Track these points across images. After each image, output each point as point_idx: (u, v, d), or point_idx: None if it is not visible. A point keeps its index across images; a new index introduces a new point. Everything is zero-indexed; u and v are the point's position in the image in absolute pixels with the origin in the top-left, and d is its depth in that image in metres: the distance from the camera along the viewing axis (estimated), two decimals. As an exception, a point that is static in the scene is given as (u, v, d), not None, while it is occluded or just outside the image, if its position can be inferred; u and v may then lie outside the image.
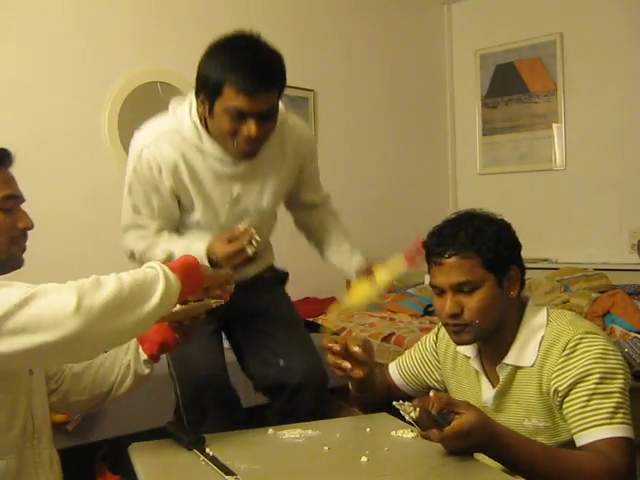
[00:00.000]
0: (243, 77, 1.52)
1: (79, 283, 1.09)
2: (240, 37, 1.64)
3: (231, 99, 1.54)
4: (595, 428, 1.23)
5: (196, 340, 1.53)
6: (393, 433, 1.35)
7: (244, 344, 1.90)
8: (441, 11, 4.66)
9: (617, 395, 1.25)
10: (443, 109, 4.68)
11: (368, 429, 1.40)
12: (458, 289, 1.35)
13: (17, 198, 1.35)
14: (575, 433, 1.26)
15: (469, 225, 1.38)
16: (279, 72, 1.61)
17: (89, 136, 3.08)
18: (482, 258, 1.34)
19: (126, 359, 1.47)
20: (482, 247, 1.34)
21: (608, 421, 1.23)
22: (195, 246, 1.60)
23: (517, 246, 1.43)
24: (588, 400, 1.25)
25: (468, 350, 1.48)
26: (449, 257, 1.35)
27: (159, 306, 1.13)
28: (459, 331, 1.38)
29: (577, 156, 4.12)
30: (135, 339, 1.47)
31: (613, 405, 1.24)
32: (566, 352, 1.30)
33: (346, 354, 1.46)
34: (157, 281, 1.14)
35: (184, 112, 1.69)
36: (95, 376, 1.48)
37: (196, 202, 1.72)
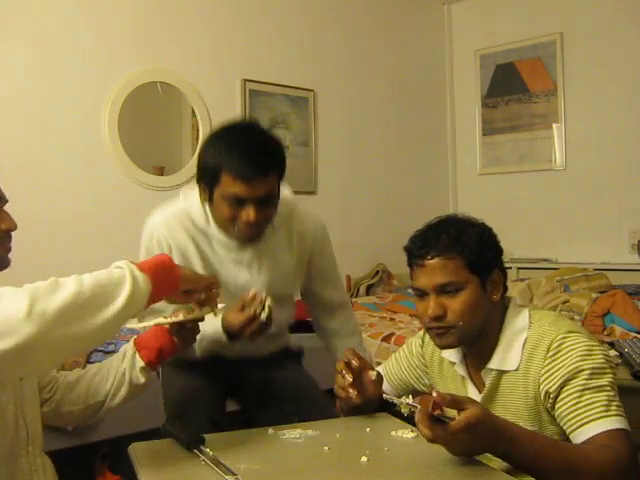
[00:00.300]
0: (239, 163, 1.54)
1: (35, 286, 1.01)
2: (237, 125, 1.68)
3: (228, 186, 1.56)
4: (592, 423, 1.22)
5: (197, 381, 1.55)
6: (393, 433, 1.35)
7: (256, 409, 1.90)
8: (441, 11, 4.67)
9: (608, 388, 1.25)
10: (443, 109, 4.68)
11: (368, 429, 1.40)
12: (441, 290, 1.33)
13: (0, 199, 1.29)
14: (572, 431, 1.25)
15: (451, 227, 1.37)
16: (276, 157, 1.62)
17: (89, 136, 3.08)
18: (465, 259, 1.33)
19: (121, 367, 1.43)
20: (465, 248, 1.33)
21: (604, 414, 1.22)
22: (210, 321, 1.54)
23: (499, 250, 1.41)
24: (580, 396, 1.24)
25: (453, 355, 1.47)
26: (432, 258, 1.34)
27: (124, 309, 1.06)
28: (442, 334, 1.35)
29: (577, 156, 4.12)
30: (132, 346, 1.44)
31: (606, 398, 1.23)
32: (551, 353, 1.29)
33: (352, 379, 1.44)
34: (123, 282, 1.07)
35: (194, 197, 1.72)
36: (89, 385, 1.43)
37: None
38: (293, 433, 1.36)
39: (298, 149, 3.82)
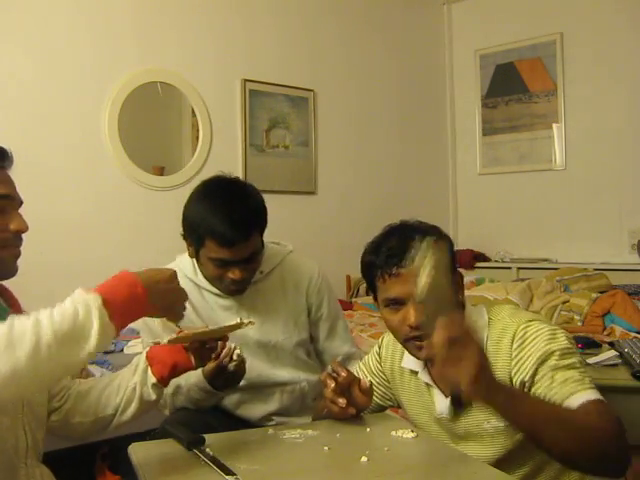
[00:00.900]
0: (221, 232, 1.58)
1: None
2: (217, 184, 1.69)
3: (212, 251, 1.61)
4: (570, 397, 1.20)
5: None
6: (393, 433, 1.35)
7: None
8: (441, 11, 4.67)
9: (578, 365, 1.25)
10: (443, 109, 4.68)
11: (368, 429, 1.40)
12: (413, 297, 1.26)
13: (12, 199, 1.25)
14: None
15: (412, 233, 1.33)
16: (257, 218, 1.66)
17: (89, 136, 3.08)
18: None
19: (132, 381, 1.37)
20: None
21: (580, 387, 1.21)
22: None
23: (452, 253, 1.39)
24: (553, 375, 1.23)
25: (414, 364, 1.43)
26: (405, 266, 1.29)
27: (86, 359, 1.02)
28: (425, 346, 1.29)
29: (577, 156, 4.12)
30: (144, 359, 1.38)
31: (578, 373, 1.23)
32: (517, 344, 1.28)
33: (342, 390, 1.41)
34: (87, 337, 1.00)
35: (186, 253, 1.76)
36: (100, 396, 1.38)
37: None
38: (293, 433, 1.36)
39: (298, 149, 3.82)
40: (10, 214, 1.24)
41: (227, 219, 1.58)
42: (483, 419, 1.34)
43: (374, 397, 1.54)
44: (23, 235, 1.26)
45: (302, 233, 3.38)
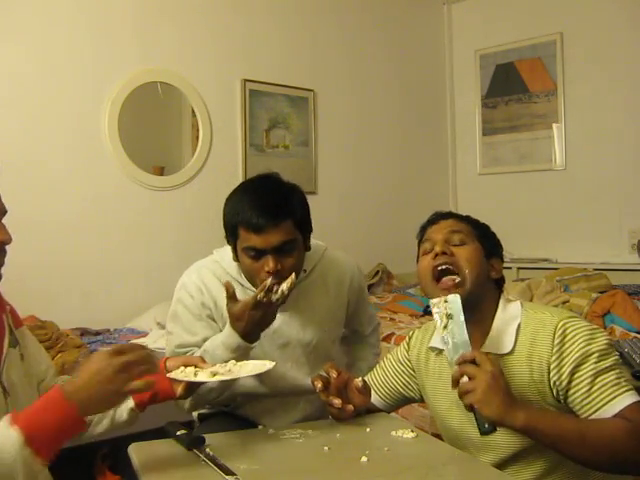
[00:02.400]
0: (249, 216, 1.56)
1: None
2: (253, 179, 1.69)
3: (245, 240, 1.58)
4: (607, 405, 1.23)
5: None
6: (393, 433, 1.35)
7: None
8: (441, 11, 4.67)
9: (615, 367, 1.27)
10: (443, 109, 4.68)
11: (368, 429, 1.40)
12: (449, 239, 1.42)
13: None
14: (588, 416, 1.26)
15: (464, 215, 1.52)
16: (289, 205, 1.61)
17: (89, 136, 3.08)
18: (474, 229, 1.46)
19: None
20: (475, 224, 1.48)
21: (617, 393, 1.23)
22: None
23: (500, 248, 1.52)
24: (592, 381, 1.25)
25: (440, 343, 1.44)
26: (446, 219, 1.47)
27: None
28: (449, 271, 1.40)
29: (577, 156, 4.12)
30: None
31: (615, 377, 1.25)
32: (557, 340, 1.30)
33: (337, 391, 1.44)
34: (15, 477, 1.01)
35: (225, 251, 1.73)
36: None
37: None
38: (293, 433, 1.36)
39: (298, 149, 3.82)
40: None
41: (256, 204, 1.57)
42: None
43: (397, 386, 1.60)
44: (7, 246, 1.26)
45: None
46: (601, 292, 3.07)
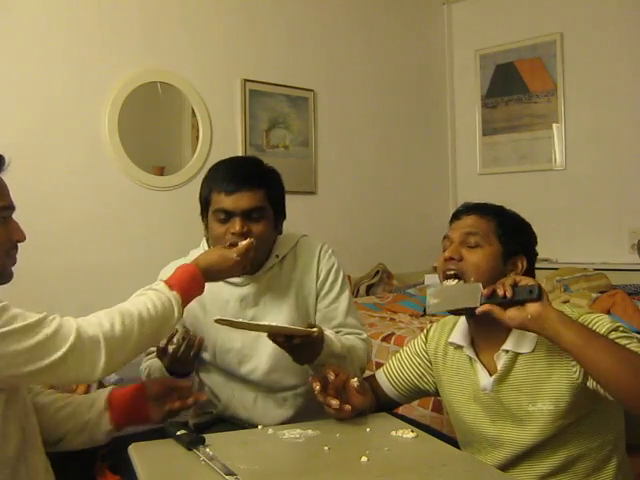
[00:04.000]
0: (222, 178, 1.65)
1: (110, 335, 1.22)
2: (234, 157, 1.84)
3: (216, 202, 1.65)
4: None
5: None
6: (393, 433, 1.35)
7: None
8: (441, 11, 4.66)
9: (637, 342, 1.28)
10: (443, 109, 4.68)
11: (368, 429, 1.40)
12: (464, 240, 1.43)
13: (12, 209, 1.32)
14: None
15: (499, 206, 1.54)
16: (263, 177, 1.68)
17: (89, 136, 3.08)
18: (498, 226, 1.45)
19: (86, 416, 1.41)
20: (502, 219, 1.47)
21: None
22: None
23: (533, 246, 1.52)
24: (616, 339, 1.26)
25: (460, 339, 1.49)
26: (469, 214, 1.48)
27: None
28: (453, 277, 1.42)
29: (577, 156, 4.12)
30: (104, 401, 1.42)
31: (637, 344, 1.26)
32: None
33: (335, 391, 1.45)
34: (171, 317, 1.34)
35: (200, 249, 1.79)
36: (50, 420, 1.40)
37: (206, 333, 1.72)
38: (293, 433, 1.36)
39: (298, 149, 3.82)
40: (10, 224, 1.30)
41: (231, 170, 1.67)
42: (527, 402, 1.36)
43: (412, 378, 1.61)
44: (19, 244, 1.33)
45: (299, 232, 3.39)
46: (601, 292, 3.07)
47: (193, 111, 3.43)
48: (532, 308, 1.23)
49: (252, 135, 3.61)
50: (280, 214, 1.73)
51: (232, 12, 3.57)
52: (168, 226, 3.26)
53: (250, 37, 3.63)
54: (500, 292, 1.26)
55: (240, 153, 3.55)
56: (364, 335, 1.79)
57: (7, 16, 2.86)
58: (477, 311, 1.30)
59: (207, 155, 3.43)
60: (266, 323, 1.50)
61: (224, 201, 1.62)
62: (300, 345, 1.47)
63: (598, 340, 1.21)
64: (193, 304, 1.58)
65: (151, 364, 1.70)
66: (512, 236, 1.45)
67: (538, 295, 1.23)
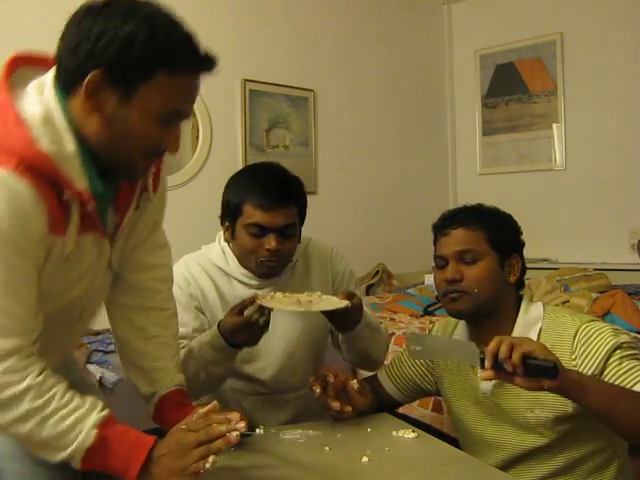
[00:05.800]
0: (259, 193, 1.61)
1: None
2: (258, 163, 1.80)
3: (250, 216, 1.62)
4: (638, 384, 1.25)
5: None
6: (394, 433, 1.35)
7: None
8: (441, 11, 4.66)
9: None
10: (443, 109, 4.68)
11: (369, 429, 1.40)
12: (460, 258, 1.41)
13: (181, 116, 1.19)
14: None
15: (477, 207, 1.51)
16: (295, 190, 1.68)
17: (89, 136, 3.07)
18: (486, 233, 1.43)
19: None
20: (487, 224, 1.44)
21: None
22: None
23: (520, 238, 1.50)
24: (621, 363, 1.28)
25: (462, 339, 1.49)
26: (455, 228, 1.44)
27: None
28: (457, 298, 1.41)
29: (577, 156, 4.12)
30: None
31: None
32: (582, 340, 1.32)
33: (336, 392, 1.45)
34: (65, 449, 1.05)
35: (214, 243, 1.77)
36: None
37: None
38: (294, 433, 1.36)
39: (298, 149, 3.82)
40: (169, 129, 1.16)
41: (267, 182, 1.63)
42: (525, 408, 1.36)
43: (414, 377, 1.62)
44: None
45: (302, 233, 3.39)
46: (601, 292, 3.07)
47: (193, 111, 3.42)
48: (549, 383, 1.15)
49: (252, 135, 3.61)
50: (302, 225, 1.73)
51: (232, 12, 3.57)
52: (168, 226, 3.25)
53: (250, 37, 3.63)
54: (508, 368, 1.15)
55: (240, 153, 3.55)
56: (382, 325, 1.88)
57: (7, 16, 2.85)
58: (482, 378, 1.24)
59: (207, 155, 3.43)
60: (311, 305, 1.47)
61: (260, 216, 1.60)
62: (342, 314, 1.51)
63: (619, 395, 1.21)
64: (214, 295, 1.66)
65: (192, 346, 1.58)
66: (501, 237, 1.45)
67: (555, 375, 1.14)
